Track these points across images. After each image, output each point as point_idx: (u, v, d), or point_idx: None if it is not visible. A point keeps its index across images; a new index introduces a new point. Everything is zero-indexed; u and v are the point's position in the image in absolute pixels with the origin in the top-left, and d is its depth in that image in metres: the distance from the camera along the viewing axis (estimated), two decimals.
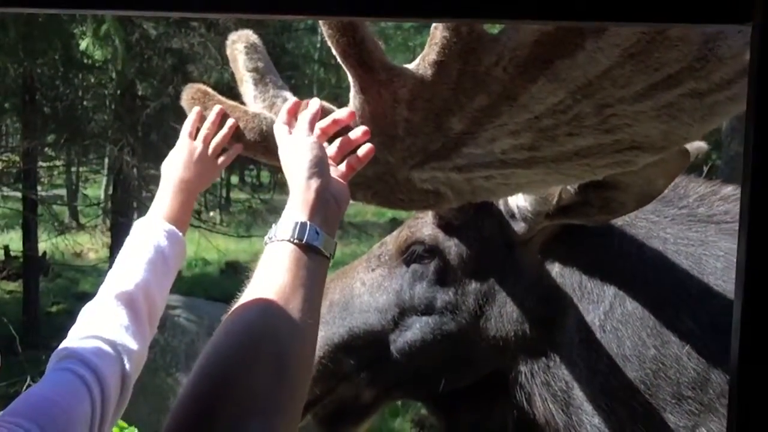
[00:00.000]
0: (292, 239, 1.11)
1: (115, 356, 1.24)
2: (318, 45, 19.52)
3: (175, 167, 1.55)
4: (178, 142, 1.57)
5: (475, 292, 1.67)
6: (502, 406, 1.70)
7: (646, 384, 1.49)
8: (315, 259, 1.12)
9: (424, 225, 1.75)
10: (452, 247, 1.69)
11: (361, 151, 1.32)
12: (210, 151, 1.55)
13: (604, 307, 1.55)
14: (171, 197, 1.52)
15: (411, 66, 1.27)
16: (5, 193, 14.94)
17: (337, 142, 1.33)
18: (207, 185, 1.61)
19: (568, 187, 1.52)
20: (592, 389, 1.55)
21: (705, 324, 1.47)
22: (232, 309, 1.07)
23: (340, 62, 1.27)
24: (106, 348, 1.24)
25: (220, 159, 1.57)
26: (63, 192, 19.15)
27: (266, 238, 1.16)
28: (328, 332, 1.73)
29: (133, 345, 1.28)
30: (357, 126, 1.34)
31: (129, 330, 1.29)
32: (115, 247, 11.40)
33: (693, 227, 1.58)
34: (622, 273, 1.57)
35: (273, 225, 1.17)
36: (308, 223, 1.13)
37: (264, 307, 1.03)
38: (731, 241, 1.54)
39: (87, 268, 14.60)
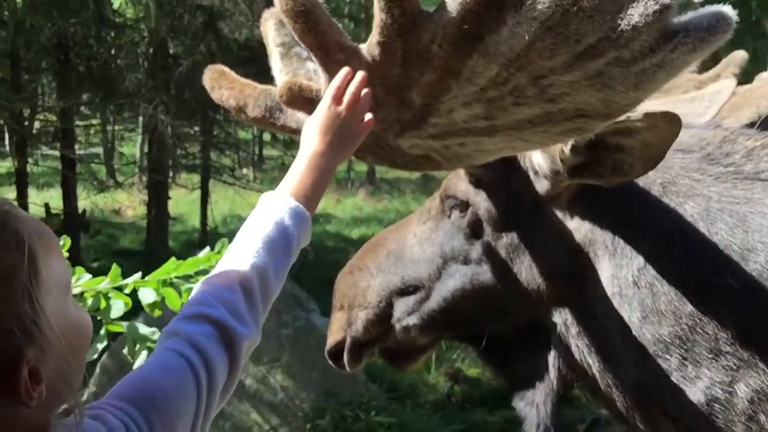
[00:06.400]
0: None
1: (224, 339, 1.20)
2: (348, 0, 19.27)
3: (313, 135, 1.44)
4: (320, 106, 1.45)
5: (506, 246, 1.72)
6: (549, 358, 1.74)
7: (682, 339, 1.49)
8: None
9: (458, 180, 1.82)
10: (482, 202, 1.75)
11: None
12: (353, 118, 1.43)
13: (638, 263, 1.55)
14: (303, 173, 1.42)
15: (363, 46, 1.36)
16: (44, 152, 15.22)
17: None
18: (346, 157, 1.49)
19: (564, 150, 1.56)
20: (626, 342, 1.56)
21: (747, 280, 1.45)
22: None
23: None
24: (215, 330, 1.20)
25: (360, 127, 1.45)
26: (100, 150, 19.44)
27: None
28: (385, 279, 1.89)
29: (243, 328, 1.23)
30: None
31: (240, 312, 1.24)
32: (151, 204, 11.61)
33: (738, 185, 1.55)
34: (659, 230, 1.56)
35: None
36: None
37: None
38: None
39: (126, 225, 14.91)
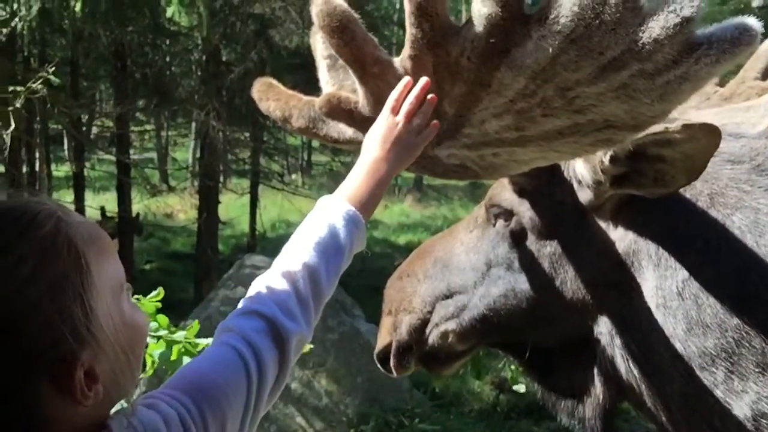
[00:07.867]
0: None
1: (275, 335, 1.24)
2: (397, 6, 19.34)
3: (373, 144, 1.47)
4: (381, 115, 1.48)
5: (550, 255, 1.72)
6: (594, 371, 1.73)
7: (728, 352, 1.47)
8: None
9: (503, 189, 1.83)
10: (526, 211, 1.75)
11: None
12: (411, 128, 1.45)
13: (683, 275, 1.53)
14: (361, 179, 1.45)
15: (397, 59, 1.41)
16: (100, 157, 15.67)
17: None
18: (405, 165, 1.51)
19: (604, 160, 1.56)
20: (671, 354, 1.54)
21: None
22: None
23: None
24: (266, 325, 1.24)
25: (420, 137, 1.47)
26: (153, 155, 19.92)
27: None
28: (431, 286, 1.92)
29: (293, 325, 1.26)
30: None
31: (291, 310, 1.28)
32: (202, 208, 11.84)
33: None
34: (705, 241, 1.54)
35: None
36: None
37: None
38: None
39: (177, 229, 15.22)
